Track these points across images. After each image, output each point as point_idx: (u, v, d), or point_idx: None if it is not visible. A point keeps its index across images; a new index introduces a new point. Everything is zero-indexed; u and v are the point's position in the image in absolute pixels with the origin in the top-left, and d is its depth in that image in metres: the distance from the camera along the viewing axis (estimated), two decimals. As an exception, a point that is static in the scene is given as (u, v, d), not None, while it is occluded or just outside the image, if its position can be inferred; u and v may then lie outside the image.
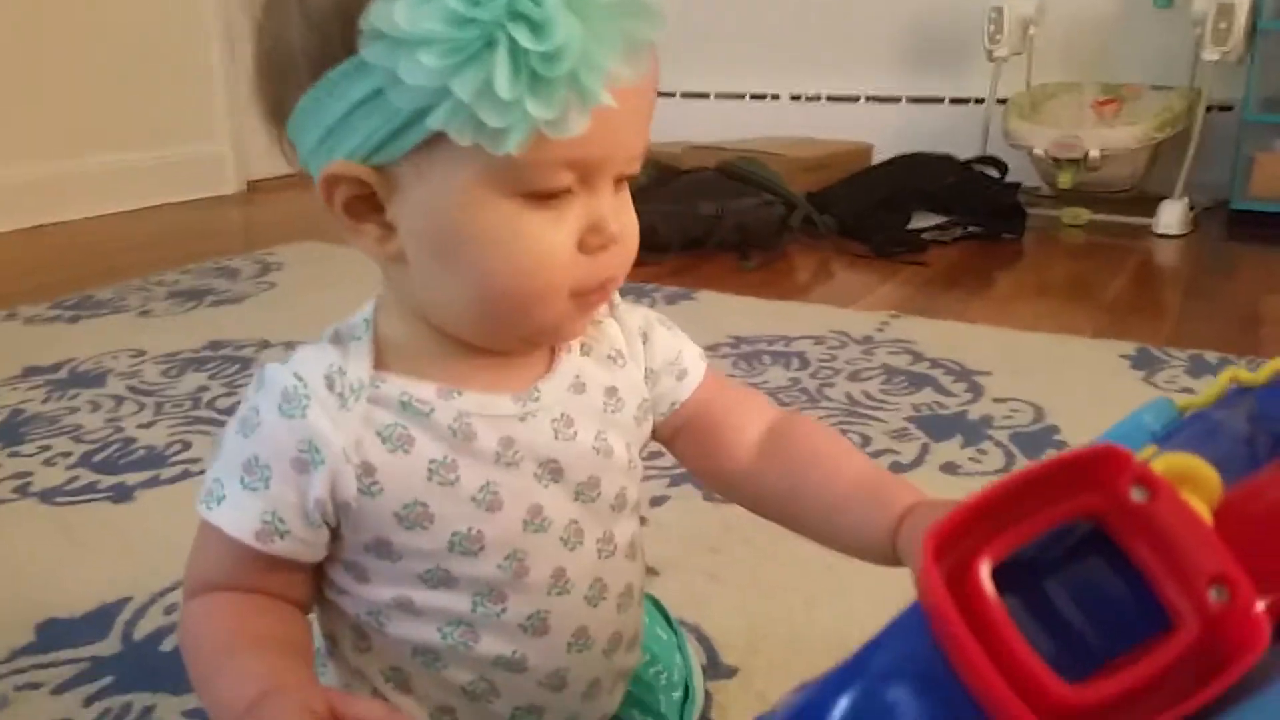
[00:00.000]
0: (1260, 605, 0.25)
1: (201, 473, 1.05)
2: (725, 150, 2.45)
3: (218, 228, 2.55)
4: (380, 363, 0.50)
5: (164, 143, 2.74)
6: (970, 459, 1.11)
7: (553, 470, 0.51)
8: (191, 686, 0.49)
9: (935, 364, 1.41)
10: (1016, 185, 2.39)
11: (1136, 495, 0.26)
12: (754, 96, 3.24)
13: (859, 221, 2.23)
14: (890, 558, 0.49)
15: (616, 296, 0.57)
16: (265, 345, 1.49)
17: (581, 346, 0.55)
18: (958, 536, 0.25)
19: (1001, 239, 2.28)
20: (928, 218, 2.31)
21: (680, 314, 1.61)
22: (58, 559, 0.91)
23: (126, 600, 0.83)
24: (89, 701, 0.71)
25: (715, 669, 0.74)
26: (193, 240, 2.32)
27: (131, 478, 1.06)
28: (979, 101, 2.70)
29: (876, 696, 0.26)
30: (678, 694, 0.64)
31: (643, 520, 0.60)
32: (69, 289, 1.82)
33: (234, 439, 0.49)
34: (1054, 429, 1.18)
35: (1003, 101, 2.54)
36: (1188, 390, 1.32)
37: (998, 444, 1.15)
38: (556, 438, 0.51)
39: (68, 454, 1.12)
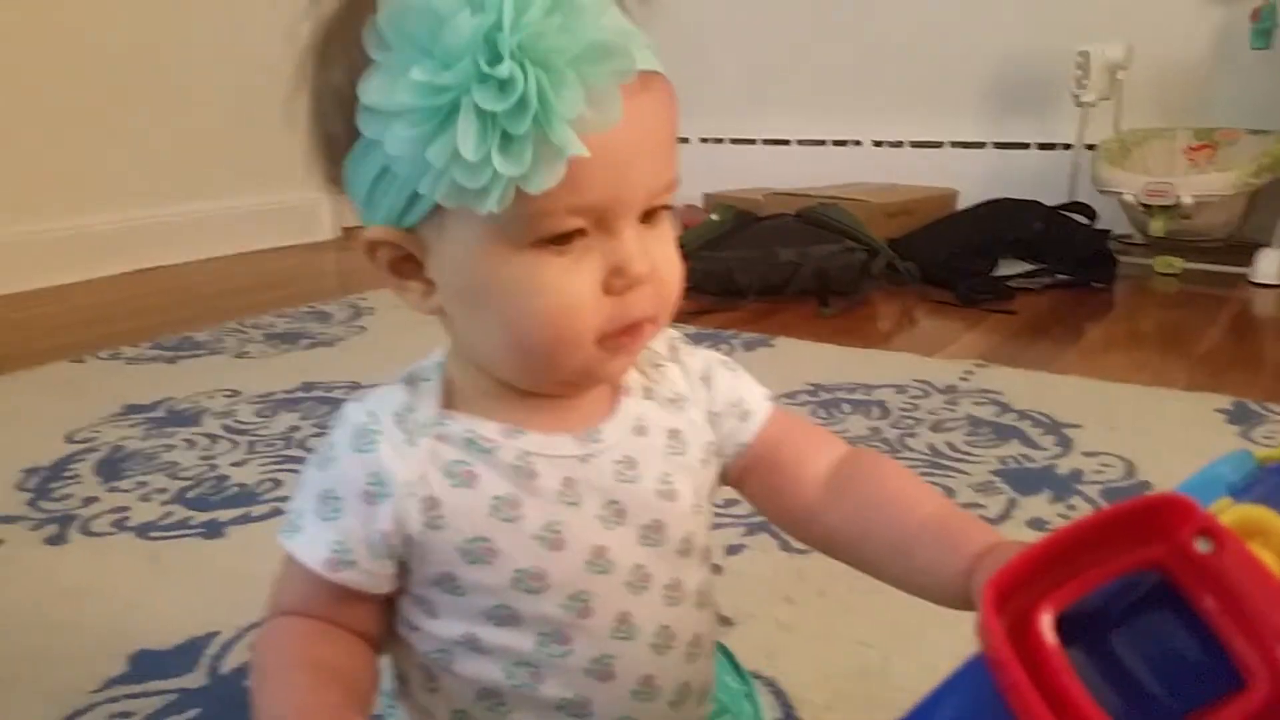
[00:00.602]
0: None
1: (290, 511, 1.09)
2: (806, 196, 2.45)
3: (313, 272, 2.63)
4: (448, 403, 0.51)
5: (263, 190, 2.84)
6: (1059, 515, 1.08)
7: (616, 512, 0.51)
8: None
9: (1023, 415, 1.38)
10: (1106, 232, 2.34)
11: (1201, 546, 0.25)
12: (835, 143, 3.24)
13: (943, 268, 2.21)
14: (963, 601, 0.47)
15: (679, 340, 0.58)
16: (355, 386, 1.53)
17: (644, 390, 0.55)
18: (1019, 585, 0.25)
19: (1091, 287, 2.24)
20: (1015, 265, 2.28)
21: (758, 360, 1.61)
22: (151, 592, 0.94)
23: (214, 634, 0.85)
24: (177, 733, 0.73)
25: (790, 722, 0.73)
26: (289, 284, 2.40)
27: (223, 514, 1.10)
28: (1066, 147, 2.65)
29: None
30: (748, 744, 0.63)
31: (716, 568, 0.60)
32: (169, 331, 1.90)
33: (313, 472, 0.51)
34: (1146, 484, 1.15)
35: (1091, 147, 2.50)
36: (1288, 445, 1.27)
37: (1088, 499, 1.11)
38: (619, 479, 0.52)
39: (163, 490, 1.17)
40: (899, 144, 3.14)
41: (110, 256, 2.46)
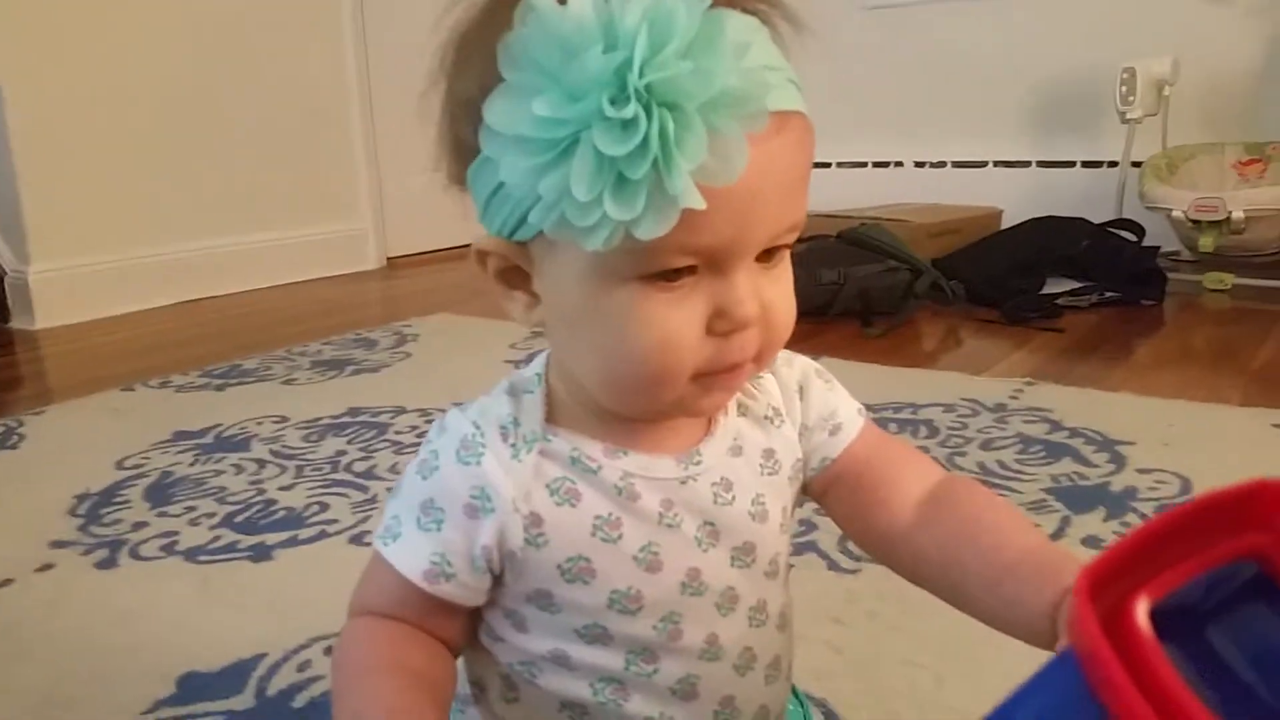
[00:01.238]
0: None
1: (339, 533, 1.10)
2: (848, 217, 2.44)
3: (359, 301, 2.66)
4: (551, 417, 0.51)
5: (310, 222, 2.89)
6: (1114, 532, 1.05)
7: (710, 534, 0.51)
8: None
9: (1074, 433, 1.36)
10: (1155, 249, 2.31)
11: None
12: (876, 164, 3.23)
13: (989, 287, 2.18)
14: (1051, 637, 0.45)
15: None
16: (401, 412, 1.54)
17: (739, 407, 0.54)
18: (1113, 577, 0.24)
19: (1140, 305, 2.20)
20: (1062, 283, 2.25)
21: (804, 382, 1.59)
22: (199, 614, 0.95)
23: (262, 656, 0.85)
24: (225, 754, 0.73)
25: (841, 744, 0.72)
26: (335, 313, 2.42)
27: (271, 538, 1.10)
28: (1112, 165, 2.63)
29: None
30: (805, 766, 0.62)
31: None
32: (219, 359, 1.92)
33: (413, 480, 0.50)
34: (1202, 501, 1.12)
35: (1138, 165, 2.47)
36: (1352, 461, 1.23)
37: (1143, 516, 1.09)
38: (715, 501, 0.51)
39: (212, 514, 1.18)
40: (941, 164, 3.12)
41: (160, 288, 2.51)
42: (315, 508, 1.19)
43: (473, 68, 0.46)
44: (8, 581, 1.03)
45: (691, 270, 0.44)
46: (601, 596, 0.49)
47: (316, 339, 2.08)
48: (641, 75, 0.37)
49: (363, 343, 2.04)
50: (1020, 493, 1.16)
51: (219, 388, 1.74)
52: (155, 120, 2.50)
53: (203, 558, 1.06)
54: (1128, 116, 2.45)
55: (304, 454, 1.38)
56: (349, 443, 1.42)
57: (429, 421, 1.45)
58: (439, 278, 2.89)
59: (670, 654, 0.50)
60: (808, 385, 0.57)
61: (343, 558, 1.05)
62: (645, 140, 0.38)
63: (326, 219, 2.94)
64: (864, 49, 3.18)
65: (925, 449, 1.31)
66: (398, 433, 1.44)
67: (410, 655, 0.49)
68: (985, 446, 1.32)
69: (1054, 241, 2.31)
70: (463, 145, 0.47)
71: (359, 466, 1.32)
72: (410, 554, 0.49)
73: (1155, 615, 0.24)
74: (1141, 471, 1.21)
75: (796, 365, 0.58)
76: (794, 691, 0.66)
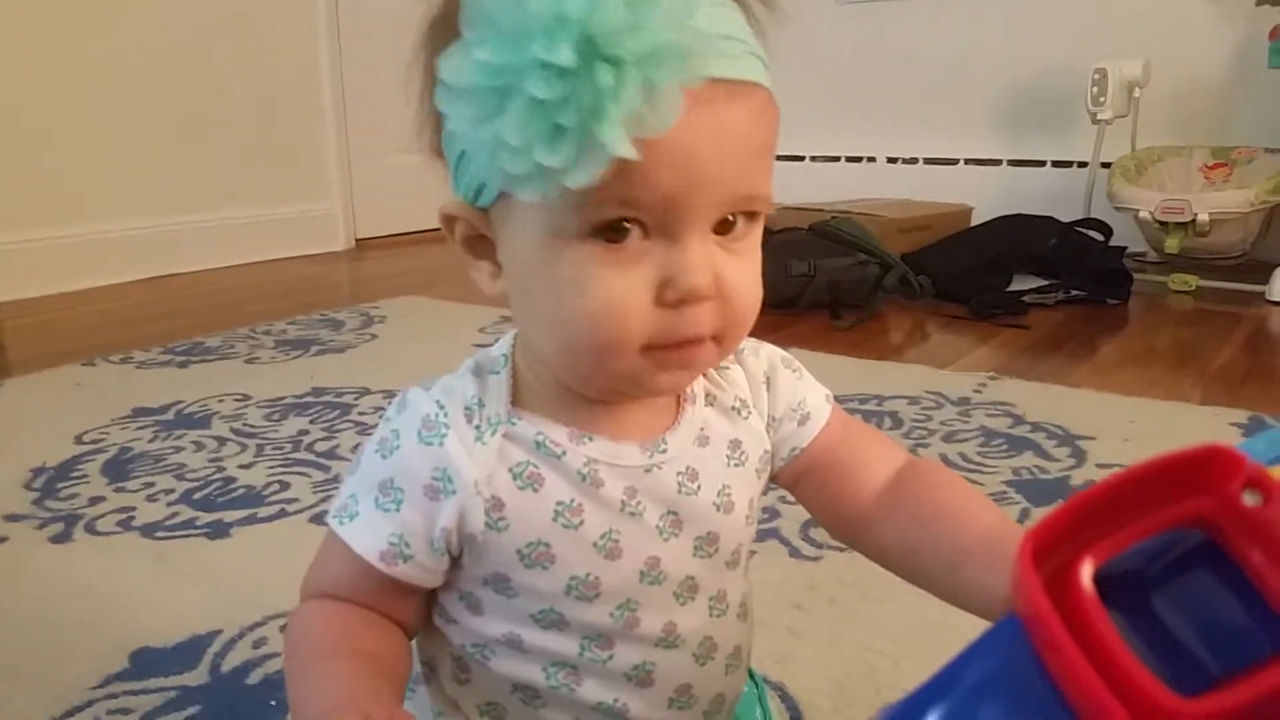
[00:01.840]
0: None
1: (299, 512, 1.09)
2: (820, 211, 2.44)
3: (326, 282, 2.63)
4: (516, 400, 0.50)
5: (279, 201, 2.86)
6: (1070, 524, 1.07)
7: (674, 523, 0.50)
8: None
9: (1036, 427, 1.37)
10: (1121, 249, 2.33)
11: (1249, 499, 0.24)
12: (849, 159, 3.24)
13: (957, 283, 2.20)
14: None
15: (745, 341, 0.55)
16: (365, 393, 1.52)
17: (706, 396, 0.54)
18: (1058, 540, 0.24)
19: (1105, 304, 2.22)
20: (1028, 281, 2.27)
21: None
22: (154, 590, 0.93)
23: (217, 633, 0.84)
24: (176, 729, 0.72)
25: (798, 727, 0.72)
26: (301, 293, 2.40)
27: (229, 515, 1.09)
28: (1082, 165, 2.65)
29: (968, 712, 0.24)
30: (758, 748, 0.62)
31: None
32: (181, 336, 1.90)
33: (372, 459, 0.49)
34: (1160, 496, 1.13)
35: (1107, 165, 2.49)
36: (1306, 461, 1.25)
37: (1099, 510, 1.10)
38: (679, 491, 0.51)
39: (170, 491, 1.16)
40: (913, 160, 3.14)
41: (124, 263, 2.47)
42: (275, 486, 1.17)
43: (445, 39, 0.45)
44: (-42, 554, 1.01)
45: (643, 234, 0.44)
46: (560, 583, 0.48)
47: (282, 318, 2.06)
48: (581, 24, 0.37)
49: (328, 323, 2.03)
50: (982, 484, 1.17)
51: (181, 365, 1.72)
52: (122, 94, 2.46)
53: (160, 534, 1.05)
54: (1098, 117, 2.47)
55: (265, 433, 1.37)
56: (311, 422, 1.40)
57: (394, 403, 1.44)
58: (408, 260, 2.87)
59: (626, 641, 0.50)
60: (775, 375, 0.56)
61: (302, 536, 1.04)
62: (577, 88, 0.37)
63: (295, 198, 2.91)
64: (839, 44, 3.19)
65: (889, 440, 1.32)
66: (361, 413, 1.43)
67: (366, 638, 0.49)
68: (948, 439, 1.33)
69: (1022, 239, 2.33)
70: (439, 115, 0.46)
71: (321, 446, 1.31)
72: (367, 534, 0.48)
73: (1101, 581, 0.24)
74: (1102, 466, 1.23)
75: (763, 355, 0.57)
76: (751, 675, 0.66)
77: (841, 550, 0.92)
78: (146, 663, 0.80)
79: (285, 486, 1.17)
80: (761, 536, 1.00)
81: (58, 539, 1.04)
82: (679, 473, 0.51)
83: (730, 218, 0.46)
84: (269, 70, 2.79)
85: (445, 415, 0.48)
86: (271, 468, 1.23)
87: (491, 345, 0.53)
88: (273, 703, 0.75)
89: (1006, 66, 2.92)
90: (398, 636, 0.51)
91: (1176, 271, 2.35)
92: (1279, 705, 0.22)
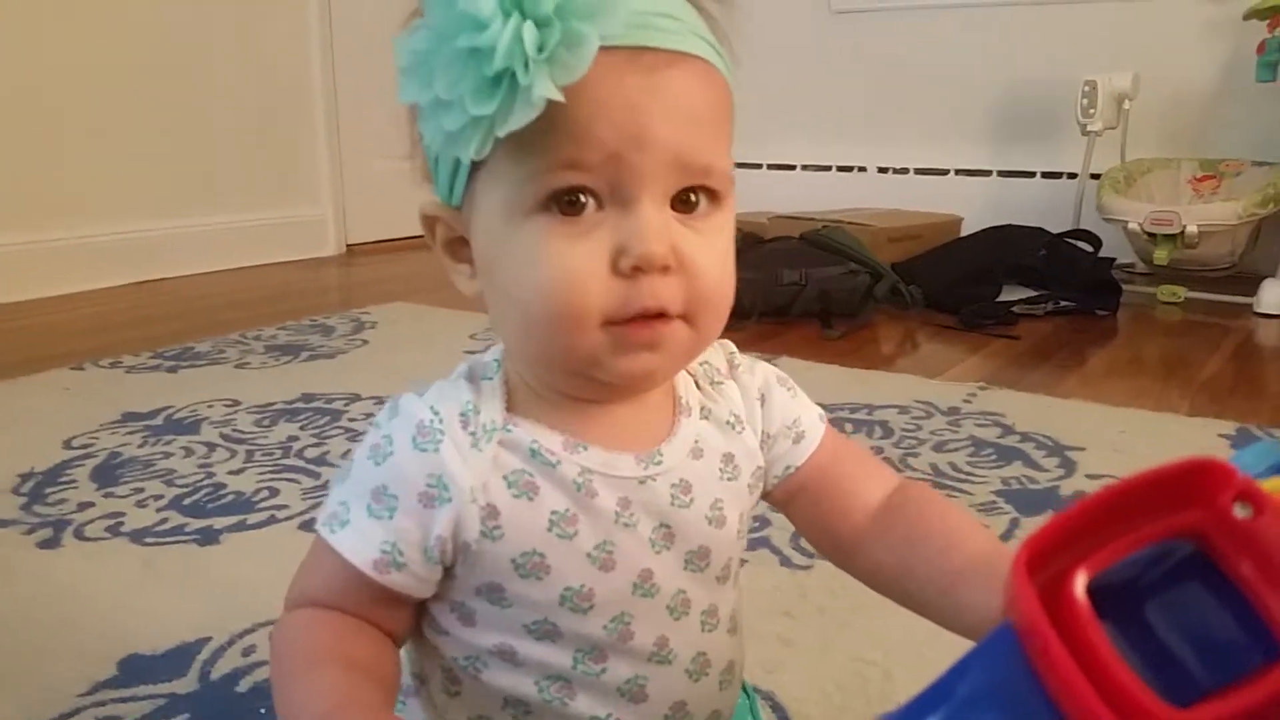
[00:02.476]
0: None
1: (288, 519, 1.09)
2: (811, 220, 2.45)
3: (316, 287, 2.63)
4: (510, 405, 0.50)
5: (270, 206, 2.85)
6: (1059, 535, 1.07)
7: (665, 536, 0.50)
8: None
9: (1026, 437, 1.38)
10: (1110, 260, 2.34)
11: (1240, 512, 0.24)
12: (840, 169, 3.25)
13: (947, 293, 2.21)
14: None
15: (738, 355, 0.56)
16: (356, 399, 1.52)
17: (701, 409, 0.53)
18: (1052, 551, 0.24)
19: (1094, 315, 2.23)
20: (1018, 291, 2.28)
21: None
22: (143, 597, 0.93)
23: (206, 640, 0.84)
24: (165, 737, 0.72)
25: (788, 737, 0.72)
26: (292, 298, 2.40)
27: (219, 521, 1.09)
28: (1071, 176, 2.66)
29: None
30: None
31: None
32: (171, 341, 1.89)
33: (364, 465, 0.48)
34: (1149, 507, 1.14)
35: (1096, 177, 2.51)
36: (1293, 472, 1.26)
37: (1088, 520, 1.11)
38: (673, 503, 0.50)
39: (159, 496, 1.16)
40: (904, 170, 3.15)
41: (114, 268, 2.46)
42: (265, 493, 1.17)
43: None
44: (-55, 559, 1.00)
45: (597, 203, 0.44)
46: (554, 593, 0.48)
47: (272, 324, 2.05)
48: None
49: (319, 329, 2.02)
50: (971, 494, 1.17)
51: (170, 369, 1.71)
52: (113, 99, 2.46)
53: (149, 540, 1.05)
54: (1088, 129, 2.49)
55: (255, 439, 1.36)
56: (301, 428, 1.40)
57: (384, 409, 1.44)
58: (399, 266, 2.87)
59: (619, 654, 0.50)
60: (769, 393, 0.56)
61: (291, 543, 1.03)
62: (499, 38, 0.39)
63: (286, 203, 2.90)
64: (831, 54, 3.20)
65: (880, 449, 1.33)
66: (351, 420, 1.43)
67: (356, 648, 0.48)
68: (938, 448, 1.33)
69: (1011, 250, 2.34)
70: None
71: (311, 453, 1.30)
72: (359, 542, 0.47)
73: (1094, 592, 0.24)
74: (1091, 476, 1.23)
75: (758, 372, 0.57)
76: (742, 684, 0.66)
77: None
78: (135, 670, 0.80)
79: (275, 493, 1.17)
80: (752, 545, 1.00)
81: (46, 544, 1.03)
82: (673, 485, 0.50)
83: (691, 196, 0.46)
84: (260, 75, 2.79)
85: (440, 421, 0.48)
86: (261, 474, 1.23)
87: (483, 351, 0.53)
88: (262, 710, 0.75)
89: (997, 78, 2.93)
90: (388, 646, 0.50)
91: (1165, 283, 2.36)
92: (1269, 715, 0.22)
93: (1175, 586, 0.25)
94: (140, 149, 2.52)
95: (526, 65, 0.39)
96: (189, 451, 1.31)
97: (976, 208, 2.79)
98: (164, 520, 1.09)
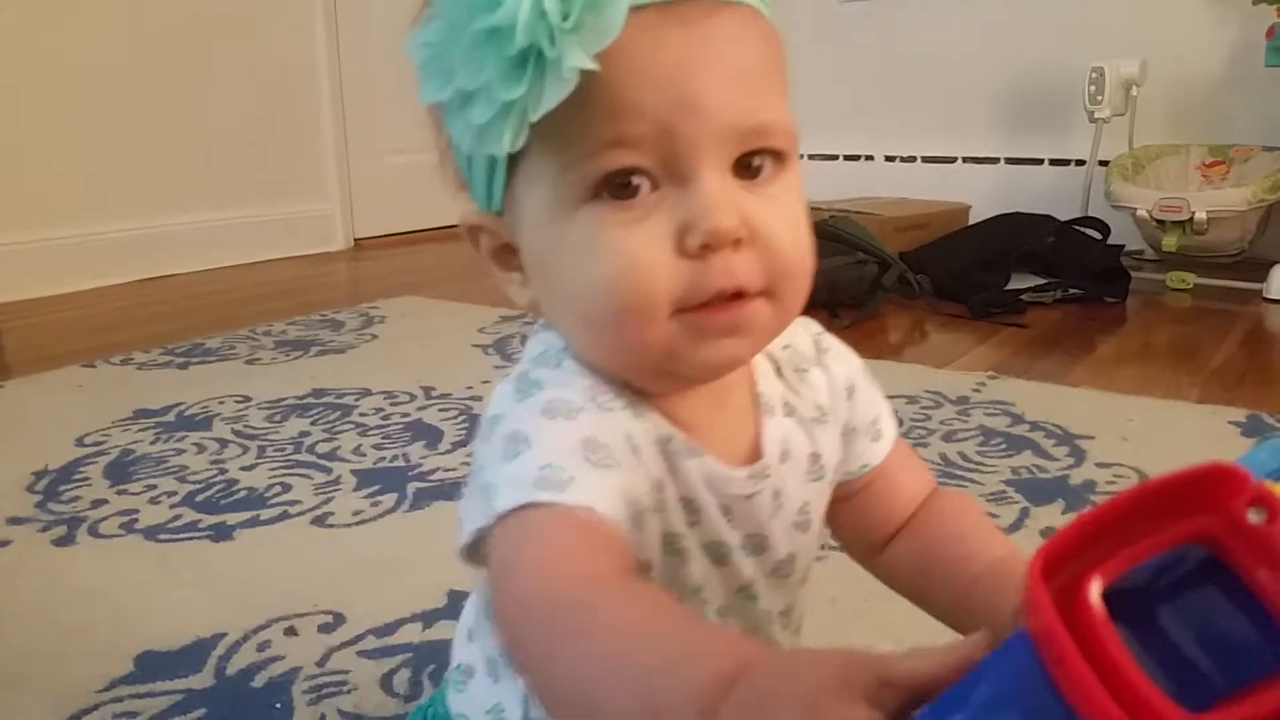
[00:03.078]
0: None
1: (301, 514, 1.09)
2: (818, 209, 2.45)
3: (325, 282, 2.63)
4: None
5: (277, 201, 2.86)
6: (1069, 524, 1.07)
7: (756, 544, 0.48)
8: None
9: (1035, 426, 1.37)
10: (1119, 247, 2.33)
11: (1254, 517, 0.24)
12: (848, 158, 3.24)
13: (955, 282, 2.20)
14: None
15: (824, 336, 0.53)
16: (366, 394, 1.53)
17: (785, 406, 0.50)
18: (1067, 558, 0.24)
19: (1104, 302, 2.23)
20: (1027, 279, 2.27)
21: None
22: (158, 593, 0.94)
23: (221, 636, 0.85)
24: (182, 733, 0.73)
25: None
26: (301, 293, 2.40)
27: (232, 517, 1.09)
28: (1080, 163, 2.65)
29: None
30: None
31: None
32: (181, 337, 1.90)
33: (548, 424, 0.41)
34: (1159, 495, 1.14)
35: (1105, 164, 2.50)
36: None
37: (1099, 509, 1.11)
38: (769, 514, 0.48)
39: (172, 493, 1.16)
40: (911, 159, 3.14)
41: (124, 264, 2.47)
42: (277, 488, 1.18)
43: None
44: (-38, 557, 1.01)
45: (651, 183, 0.40)
46: (691, 581, 0.46)
47: (281, 319, 2.06)
48: None
49: (328, 324, 2.03)
50: (980, 484, 1.18)
51: (181, 366, 1.72)
52: (119, 95, 2.46)
53: (163, 536, 1.05)
54: (1096, 116, 2.47)
55: (266, 434, 1.37)
56: (312, 424, 1.41)
57: (394, 404, 1.45)
58: (407, 260, 2.87)
59: None
60: (856, 385, 0.53)
61: (304, 538, 1.04)
62: (516, 10, 0.36)
63: (293, 198, 2.91)
64: (839, 43, 3.19)
65: (889, 440, 1.33)
66: (362, 415, 1.43)
67: (646, 590, 0.39)
68: (947, 438, 1.33)
69: (1020, 238, 2.33)
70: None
71: (322, 448, 1.31)
72: (598, 491, 0.39)
73: (1108, 596, 0.24)
74: (1100, 465, 1.23)
75: (845, 360, 0.53)
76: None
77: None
78: (151, 666, 0.81)
79: (287, 488, 1.17)
80: (762, 537, 1.00)
81: (60, 542, 1.04)
82: (773, 495, 0.48)
83: (754, 161, 0.41)
84: (267, 70, 2.79)
85: (603, 388, 0.44)
86: (273, 469, 1.24)
87: (520, 361, 0.48)
88: (278, 705, 0.75)
89: (1004, 65, 2.92)
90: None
91: (1174, 269, 2.35)
92: None
93: (1189, 590, 0.25)
94: (146, 145, 2.53)
95: (552, 37, 0.36)
96: (201, 448, 1.32)
97: (984, 196, 2.78)
98: (177, 517, 1.10)
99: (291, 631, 0.85)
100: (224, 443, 1.34)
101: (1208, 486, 0.25)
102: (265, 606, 0.89)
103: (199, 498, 1.15)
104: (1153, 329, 2.08)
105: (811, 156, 3.28)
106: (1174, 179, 2.48)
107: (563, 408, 0.42)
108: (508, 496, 0.39)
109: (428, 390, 1.50)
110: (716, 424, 0.46)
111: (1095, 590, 0.24)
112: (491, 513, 0.40)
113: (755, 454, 0.48)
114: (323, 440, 1.34)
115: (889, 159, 3.18)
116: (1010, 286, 2.24)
